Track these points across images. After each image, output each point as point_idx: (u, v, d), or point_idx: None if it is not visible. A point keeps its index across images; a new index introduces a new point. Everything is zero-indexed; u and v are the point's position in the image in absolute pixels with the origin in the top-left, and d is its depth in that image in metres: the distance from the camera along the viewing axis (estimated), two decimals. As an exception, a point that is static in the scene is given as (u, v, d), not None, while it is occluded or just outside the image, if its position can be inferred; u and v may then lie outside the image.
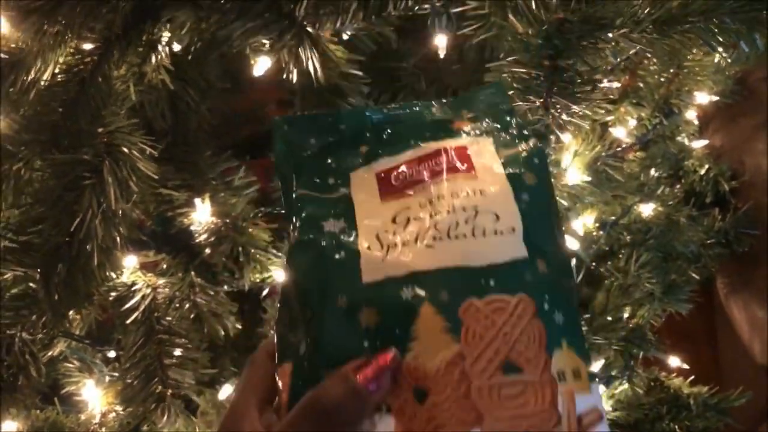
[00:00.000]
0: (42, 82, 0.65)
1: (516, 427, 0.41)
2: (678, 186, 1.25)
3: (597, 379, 0.48)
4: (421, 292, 0.43)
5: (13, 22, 0.63)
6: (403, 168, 0.49)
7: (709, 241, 1.25)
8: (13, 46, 0.67)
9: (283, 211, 0.52)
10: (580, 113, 0.74)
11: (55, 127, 0.65)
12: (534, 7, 0.59)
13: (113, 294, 0.85)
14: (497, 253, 0.45)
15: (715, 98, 1.15)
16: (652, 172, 1.20)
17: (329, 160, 0.51)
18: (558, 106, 0.69)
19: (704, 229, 1.24)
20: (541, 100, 0.68)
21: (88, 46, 0.64)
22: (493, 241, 0.45)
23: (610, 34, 0.64)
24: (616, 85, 1.02)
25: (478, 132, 0.52)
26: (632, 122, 1.14)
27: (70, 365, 1.05)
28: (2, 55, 0.66)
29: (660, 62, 0.98)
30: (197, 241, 0.81)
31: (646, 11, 0.69)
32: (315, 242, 0.47)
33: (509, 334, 0.43)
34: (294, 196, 0.49)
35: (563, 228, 0.54)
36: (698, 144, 1.29)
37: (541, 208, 0.49)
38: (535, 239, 0.47)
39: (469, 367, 0.42)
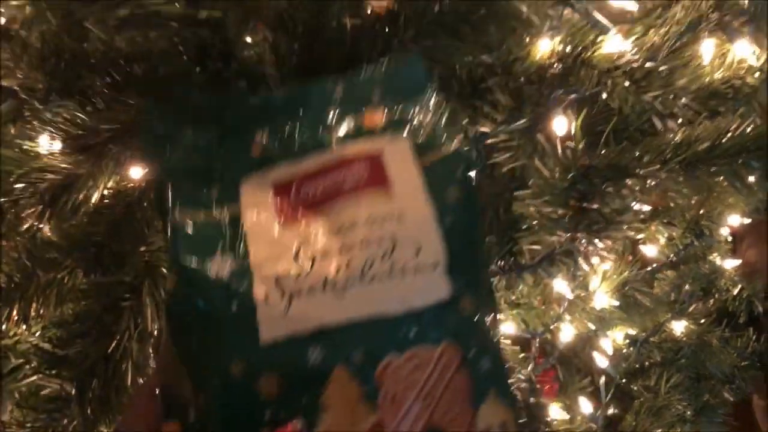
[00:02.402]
0: (91, 203, 0.69)
1: None
2: (710, 303, 1.24)
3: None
4: (332, 353, 0.36)
5: (68, 149, 0.67)
6: (305, 180, 0.40)
7: (743, 363, 1.23)
8: (66, 167, 0.71)
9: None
10: (607, 247, 0.75)
11: (101, 246, 0.68)
12: (560, 152, 0.62)
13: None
14: (418, 296, 0.38)
15: (747, 220, 1.15)
16: (685, 288, 1.20)
17: (214, 164, 0.40)
18: (584, 240, 0.71)
19: (738, 350, 1.22)
20: (568, 234, 0.70)
21: (136, 173, 0.68)
22: (414, 281, 0.38)
23: (639, 171, 0.66)
24: (646, 207, 1.04)
25: (393, 127, 0.43)
26: (664, 240, 1.14)
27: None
28: (56, 177, 0.70)
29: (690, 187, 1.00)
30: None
31: (673, 152, 0.71)
32: (200, 291, 0.37)
33: (432, 394, 0.37)
34: (170, 218, 0.39)
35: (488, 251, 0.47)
36: (731, 264, 1.29)
37: (467, 232, 0.41)
38: (460, 272, 0.39)
39: None
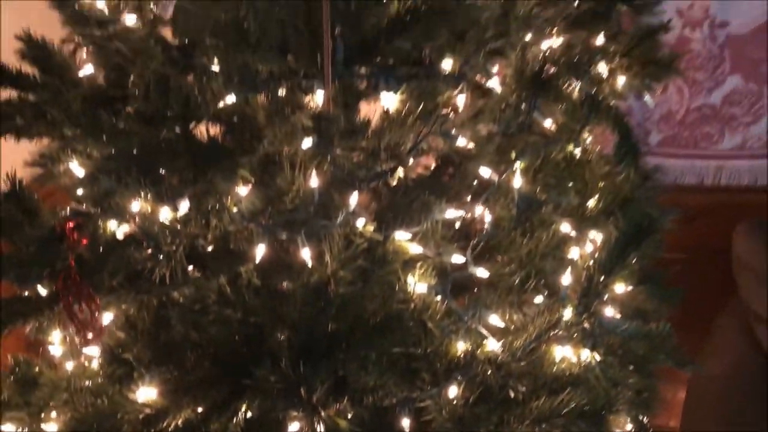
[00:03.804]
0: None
1: None
2: None
3: None
4: None
5: (159, 393, 1.15)
6: None
7: None
8: (159, 407, 1.17)
9: None
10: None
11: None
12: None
13: None
14: None
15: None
16: None
17: None
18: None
19: None
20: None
21: (200, 409, 1.14)
22: None
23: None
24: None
25: None
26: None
27: None
28: (150, 411, 1.17)
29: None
30: None
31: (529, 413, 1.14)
32: None
33: None
34: None
35: None
36: None
37: None
38: None
39: None
